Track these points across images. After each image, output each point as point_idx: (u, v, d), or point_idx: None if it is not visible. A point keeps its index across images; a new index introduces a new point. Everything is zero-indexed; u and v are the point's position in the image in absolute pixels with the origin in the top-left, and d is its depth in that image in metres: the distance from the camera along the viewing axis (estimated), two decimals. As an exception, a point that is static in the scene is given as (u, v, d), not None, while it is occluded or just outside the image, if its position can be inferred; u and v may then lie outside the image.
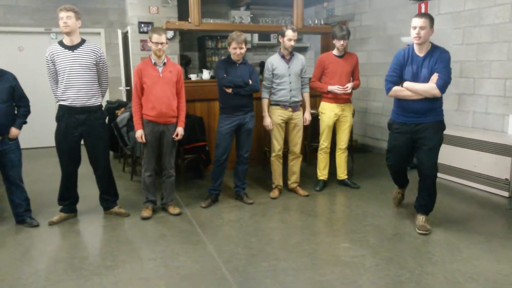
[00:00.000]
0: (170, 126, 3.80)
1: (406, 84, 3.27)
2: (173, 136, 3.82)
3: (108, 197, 3.93)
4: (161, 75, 3.71)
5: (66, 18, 3.46)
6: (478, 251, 3.10)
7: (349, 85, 4.44)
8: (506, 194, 4.29)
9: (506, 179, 4.28)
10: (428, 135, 3.30)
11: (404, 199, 4.04)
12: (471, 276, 2.73)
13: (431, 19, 3.19)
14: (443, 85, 3.16)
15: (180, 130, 3.85)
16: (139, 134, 3.73)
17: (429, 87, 3.18)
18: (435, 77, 3.18)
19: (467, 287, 2.61)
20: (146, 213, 3.84)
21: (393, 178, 3.85)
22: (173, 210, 3.93)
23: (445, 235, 3.36)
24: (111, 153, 5.89)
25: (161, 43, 3.64)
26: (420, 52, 3.27)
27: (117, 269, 2.90)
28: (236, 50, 3.92)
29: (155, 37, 3.63)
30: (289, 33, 4.15)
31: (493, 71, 4.71)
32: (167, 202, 3.97)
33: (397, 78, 3.35)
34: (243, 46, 3.94)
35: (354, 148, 6.07)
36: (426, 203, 3.47)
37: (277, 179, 4.48)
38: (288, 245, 3.27)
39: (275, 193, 4.44)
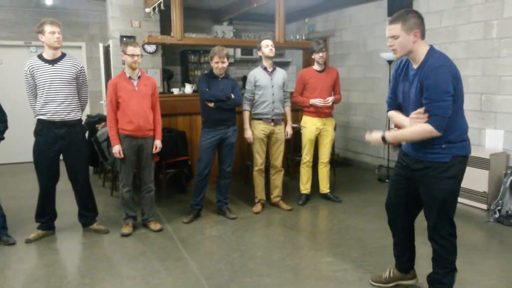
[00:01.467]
0: (148, 140, 3.77)
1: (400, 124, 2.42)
2: (152, 149, 3.79)
3: (87, 213, 3.84)
4: (136, 88, 3.68)
5: (58, 33, 3.47)
6: (459, 264, 3.09)
7: (330, 98, 4.49)
8: (484, 206, 4.37)
9: (484, 192, 4.36)
10: (427, 181, 2.36)
11: (388, 285, 2.81)
12: (452, 288, 2.75)
13: (404, 21, 2.24)
14: (438, 124, 2.20)
15: (158, 143, 3.82)
16: (117, 149, 3.66)
17: (423, 131, 2.24)
18: (421, 113, 2.26)
19: (448, 300, 2.62)
20: (126, 229, 3.77)
21: (393, 238, 2.77)
22: (154, 226, 3.87)
23: (426, 248, 3.37)
24: (91, 168, 5.79)
25: (137, 55, 3.62)
26: (414, 63, 2.33)
27: (96, 288, 2.83)
28: (218, 64, 3.94)
29: (131, 49, 3.60)
30: (265, 42, 4.25)
31: (470, 86, 4.84)
32: (148, 218, 3.91)
33: (392, 100, 2.52)
34: (225, 60, 3.96)
35: (336, 162, 6.12)
36: (437, 278, 2.51)
37: (260, 193, 4.47)
38: (270, 260, 3.25)
39: (258, 207, 4.42)
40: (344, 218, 4.20)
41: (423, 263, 3.07)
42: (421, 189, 2.43)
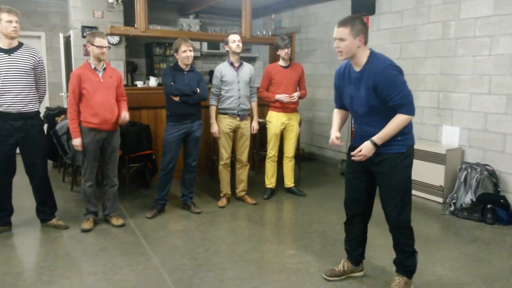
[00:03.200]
0: (113, 133, 3.69)
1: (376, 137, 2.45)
2: (121, 121, 3.68)
3: (46, 208, 3.72)
4: (102, 80, 3.58)
5: (16, 23, 3.34)
6: (415, 255, 3.26)
7: (296, 94, 4.55)
8: (440, 200, 4.56)
9: (441, 186, 4.55)
10: (387, 172, 2.48)
11: (342, 277, 2.85)
12: (408, 278, 2.86)
13: (353, 26, 2.36)
14: (409, 110, 2.38)
15: (125, 113, 3.67)
16: (78, 142, 3.56)
17: (401, 122, 2.39)
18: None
19: (405, 289, 2.73)
20: (87, 225, 3.68)
21: (345, 231, 2.85)
22: (116, 221, 3.79)
23: (383, 239, 3.48)
24: (50, 162, 5.60)
25: (105, 47, 3.54)
26: (356, 66, 2.48)
27: (55, 285, 2.75)
28: (186, 53, 3.88)
29: (99, 40, 3.50)
30: (232, 36, 4.22)
31: (428, 84, 5.02)
32: (110, 213, 3.83)
33: (338, 98, 2.70)
34: (192, 48, 3.93)
35: (301, 156, 6.20)
36: (401, 261, 2.64)
37: (225, 188, 4.47)
38: (235, 254, 3.26)
39: (223, 201, 4.43)
40: (308, 211, 4.28)
41: (380, 253, 3.18)
42: (380, 181, 2.55)
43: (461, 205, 4.18)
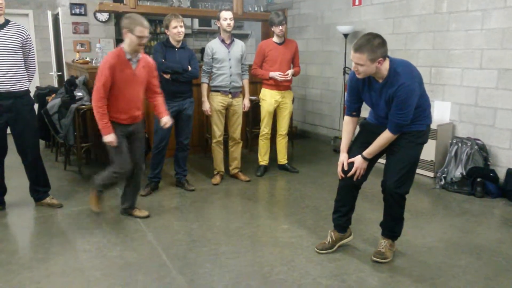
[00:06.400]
0: (138, 124, 3.39)
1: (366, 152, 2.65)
2: (143, 132, 3.46)
3: (39, 188, 3.72)
4: (135, 73, 3.20)
5: (1, 0, 3.25)
6: (406, 227, 3.28)
7: (290, 71, 4.52)
8: (431, 174, 4.62)
9: (432, 161, 4.60)
10: (403, 145, 2.61)
11: (333, 249, 2.92)
12: (400, 250, 2.93)
13: (370, 51, 2.33)
14: (395, 129, 2.53)
15: (167, 119, 3.43)
16: (112, 138, 3.11)
17: (386, 139, 2.58)
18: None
19: (396, 261, 2.80)
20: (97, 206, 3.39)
21: (337, 197, 2.91)
22: (140, 213, 3.54)
23: (376, 214, 3.54)
24: (42, 142, 5.57)
25: (146, 37, 3.11)
26: (377, 78, 2.52)
27: (50, 262, 2.78)
28: (177, 29, 3.83)
29: (140, 30, 3.04)
30: (224, 13, 4.15)
31: (420, 60, 5.01)
32: (133, 206, 3.57)
33: (352, 103, 2.74)
34: (183, 24, 3.87)
35: (294, 134, 6.22)
36: (389, 226, 2.82)
37: (219, 165, 4.49)
38: (228, 230, 3.30)
39: (216, 179, 4.45)
40: (301, 188, 4.32)
41: (371, 227, 3.24)
42: (391, 153, 2.66)
43: (452, 179, 4.24)
